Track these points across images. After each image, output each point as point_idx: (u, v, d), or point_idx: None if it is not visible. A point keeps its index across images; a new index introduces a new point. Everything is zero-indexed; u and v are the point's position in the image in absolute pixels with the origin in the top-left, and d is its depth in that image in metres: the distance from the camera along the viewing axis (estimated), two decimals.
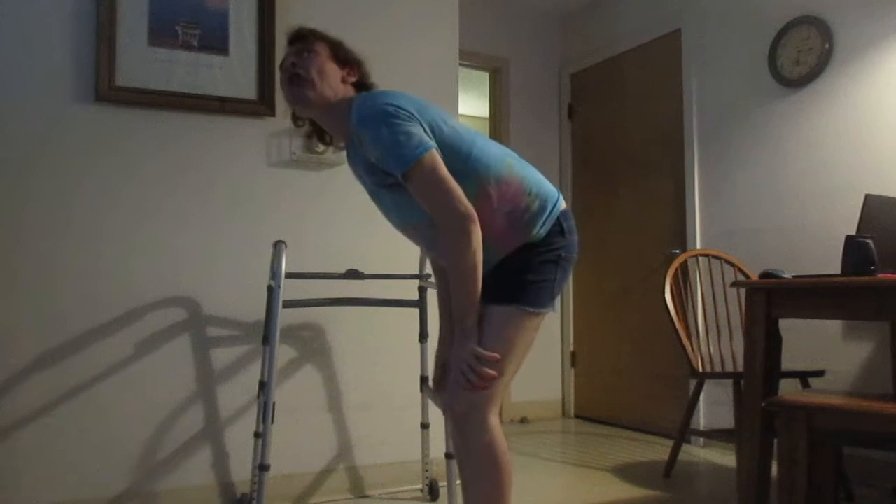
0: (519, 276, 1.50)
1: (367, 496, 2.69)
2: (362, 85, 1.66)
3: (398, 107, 1.45)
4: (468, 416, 1.47)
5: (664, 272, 3.65)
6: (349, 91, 1.62)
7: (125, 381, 2.37)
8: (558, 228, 1.54)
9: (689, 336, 3.21)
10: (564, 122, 4.65)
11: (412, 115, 1.46)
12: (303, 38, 1.63)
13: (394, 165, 1.43)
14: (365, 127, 1.46)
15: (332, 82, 1.59)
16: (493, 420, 1.50)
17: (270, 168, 2.63)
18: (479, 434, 1.48)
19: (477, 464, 1.49)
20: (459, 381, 1.46)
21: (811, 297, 2.16)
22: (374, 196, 1.62)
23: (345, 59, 1.63)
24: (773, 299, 2.25)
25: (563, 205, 1.58)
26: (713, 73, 3.65)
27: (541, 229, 1.52)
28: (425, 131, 1.46)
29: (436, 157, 1.43)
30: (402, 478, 2.76)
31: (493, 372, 1.44)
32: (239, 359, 2.54)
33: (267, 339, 2.26)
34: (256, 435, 2.44)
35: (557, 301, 1.58)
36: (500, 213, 1.50)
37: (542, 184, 1.56)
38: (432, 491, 2.63)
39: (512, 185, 1.52)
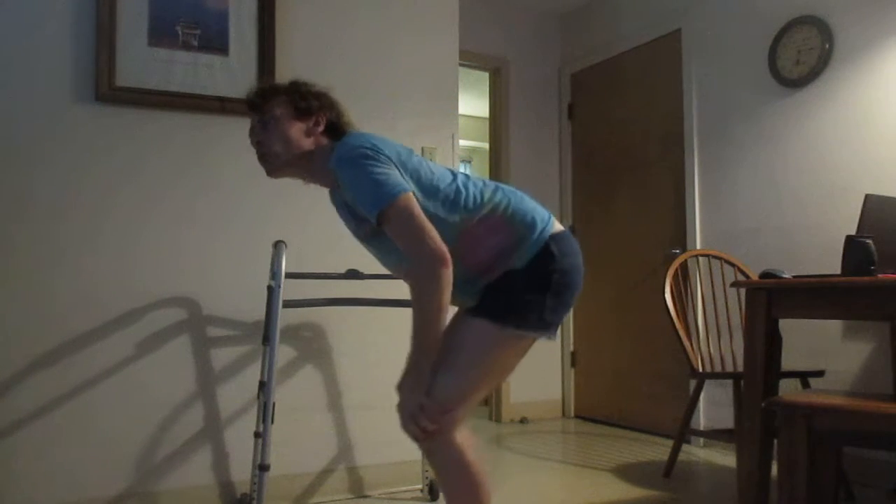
0: (506, 296, 1.48)
1: (367, 496, 2.69)
2: (333, 126, 1.61)
3: (376, 149, 1.45)
4: (428, 440, 1.46)
5: (664, 272, 3.65)
6: (321, 140, 1.59)
7: (125, 381, 2.37)
8: (548, 252, 1.50)
9: (689, 336, 3.21)
10: (564, 122, 4.65)
11: (389, 158, 1.45)
12: (257, 107, 1.59)
13: (368, 207, 1.41)
14: (341, 168, 1.45)
15: (300, 142, 1.56)
16: (457, 439, 1.47)
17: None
18: (441, 454, 1.47)
19: (446, 481, 1.49)
20: (407, 427, 1.45)
21: (811, 297, 2.16)
22: (364, 244, 1.61)
23: (307, 109, 1.58)
24: (773, 299, 2.25)
25: (554, 228, 1.54)
26: (713, 73, 3.65)
27: (524, 256, 1.49)
28: (402, 175, 1.45)
29: (411, 199, 1.42)
30: (402, 478, 2.76)
31: (432, 427, 1.42)
32: (239, 359, 2.54)
33: (267, 339, 2.26)
34: (256, 435, 2.44)
35: (555, 330, 1.52)
36: (484, 247, 1.50)
37: (526, 213, 1.52)
38: (432, 491, 2.63)
39: (494, 220, 1.50)
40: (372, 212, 1.41)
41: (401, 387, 1.49)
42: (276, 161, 1.57)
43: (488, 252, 1.50)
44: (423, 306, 1.39)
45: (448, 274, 1.39)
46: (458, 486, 1.48)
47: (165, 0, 2.46)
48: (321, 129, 1.59)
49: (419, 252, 1.39)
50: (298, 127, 1.57)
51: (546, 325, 1.49)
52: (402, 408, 1.46)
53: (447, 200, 1.49)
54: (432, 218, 1.47)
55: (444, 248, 1.39)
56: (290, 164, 1.57)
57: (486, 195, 1.53)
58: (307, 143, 1.57)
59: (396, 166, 1.46)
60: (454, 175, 1.56)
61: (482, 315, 1.48)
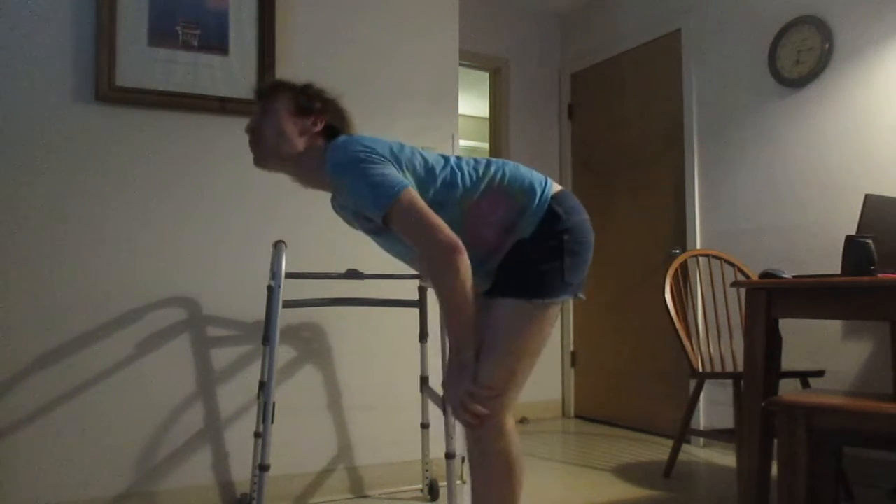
0: (523, 268, 1.49)
1: (367, 496, 2.69)
2: (332, 129, 1.61)
3: (369, 151, 1.45)
4: (480, 424, 1.47)
5: (664, 272, 3.65)
6: (316, 140, 1.59)
7: (125, 381, 2.37)
8: (553, 213, 1.51)
9: (689, 336, 3.21)
10: (564, 122, 4.65)
11: (384, 157, 1.46)
12: (263, 95, 1.60)
13: (373, 209, 1.42)
14: (340, 175, 1.45)
15: (293, 139, 1.56)
16: (509, 424, 1.49)
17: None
18: (493, 440, 1.48)
19: (490, 469, 1.50)
20: (461, 416, 1.46)
21: (811, 297, 2.16)
22: (373, 238, 1.62)
23: (308, 108, 1.58)
24: (773, 299, 2.25)
25: (553, 189, 1.54)
26: (713, 73, 3.65)
27: (530, 224, 1.50)
28: (399, 170, 1.46)
29: (412, 193, 1.42)
30: (402, 478, 2.76)
31: (486, 411, 1.44)
32: (239, 359, 2.54)
33: (267, 339, 2.26)
34: (256, 435, 2.44)
35: (579, 287, 1.53)
36: (489, 224, 1.50)
37: (523, 179, 1.53)
38: (432, 491, 2.63)
39: (493, 193, 1.51)
40: (377, 213, 1.42)
41: (446, 382, 1.50)
42: (264, 150, 1.57)
43: (493, 228, 1.51)
44: (448, 297, 1.40)
45: (465, 261, 1.39)
46: (500, 473, 1.49)
47: (165, 0, 2.46)
48: (318, 129, 1.59)
49: (431, 245, 1.39)
50: (295, 123, 1.57)
51: (570, 286, 1.51)
52: (452, 398, 1.46)
53: (444, 183, 1.50)
54: (434, 204, 1.48)
55: (454, 236, 1.40)
56: (278, 157, 1.57)
57: (481, 170, 1.54)
58: (300, 141, 1.57)
59: (392, 163, 1.46)
60: (446, 159, 1.57)
61: (506, 294, 1.49)
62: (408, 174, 1.48)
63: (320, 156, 1.56)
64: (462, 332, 1.42)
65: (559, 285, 1.49)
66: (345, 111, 1.65)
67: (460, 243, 1.40)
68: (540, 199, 1.51)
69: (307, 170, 1.59)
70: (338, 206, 1.64)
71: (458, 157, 1.59)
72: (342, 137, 1.54)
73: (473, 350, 1.45)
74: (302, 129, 1.58)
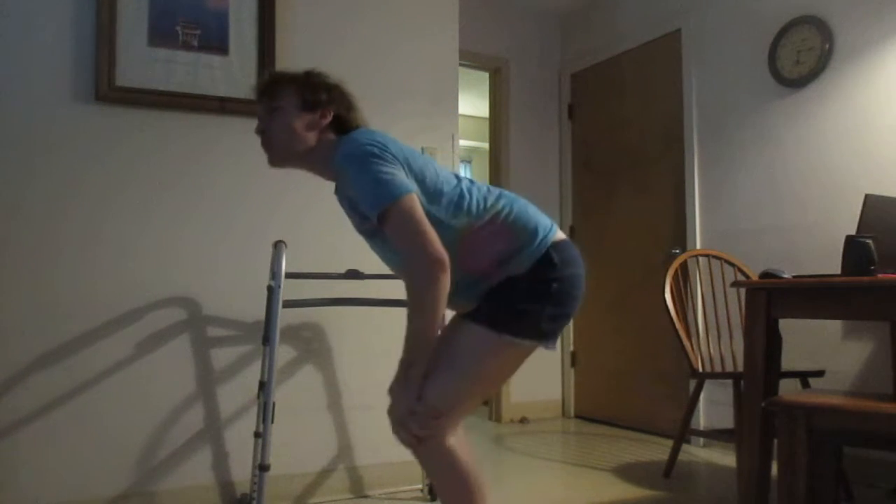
0: (505, 303, 1.46)
1: (367, 496, 2.69)
2: (340, 119, 1.60)
3: (383, 148, 1.43)
4: (420, 444, 1.44)
5: (664, 272, 3.65)
6: (326, 133, 1.58)
7: (125, 381, 2.37)
8: (549, 260, 1.47)
9: (689, 336, 3.21)
10: (564, 122, 4.65)
11: (395, 157, 1.44)
12: (266, 93, 1.58)
13: (370, 205, 1.40)
14: (347, 165, 1.44)
15: (304, 134, 1.55)
16: (450, 443, 1.46)
17: (270, 168, 2.63)
18: (433, 459, 1.46)
19: (441, 485, 1.48)
20: (398, 433, 1.44)
21: (811, 297, 2.16)
22: (366, 240, 1.60)
23: (314, 102, 1.56)
24: (773, 299, 2.25)
25: (556, 236, 1.52)
26: (713, 73, 3.65)
27: (525, 263, 1.47)
28: (407, 175, 1.43)
29: (414, 200, 1.40)
30: (402, 478, 2.77)
31: (423, 432, 1.41)
32: (239, 359, 2.54)
33: (267, 339, 2.26)
34: (256, 435, 2.44)
35: (553, 338, 1.49)
36: (484, 255, 1.48)
37: (528, 220, 1.51)
38: (432, 491, 2.63)
39: (496, 226, 1.49)
40: (373, 211, 1.40)
41: (392, 390, 1.47)
42: (277, 150, 1.57)
43: (488, 258, 1.48)
44: (418, 310, 1.38)
45: (445, 279, 1.37)
46: (453, 490, 1.47)
47: (165, 0, 2.46)
48: (327, 122, 1.57)
49: (417, 255, 1.37)
50: (304, 119, 1.56)
51: (544, 335, 1.47)
52: (393, 412, 1.44)
53: (451, 204, 1.48)
54: (434, 221, 1.45)
55: (443, 252, 1.37)
56: (292, 154, 1.57)
57: (490, 201, 1.51)
58: (311, 136, 1.56)
59: (402, 166, 1.44)
60: (458, 179, 1.54)
61: (480, 321, 1.46)
62: (415, 181, 1.45)
63: (331, 148, 1.55)
64: (420, 346, 1.40)
65: (533, 329, 1.45)
66: (350, 96, 1.63)
67: (447, 260, 1.37)
68: (540, 242, 1.49)
69: (319, 163, 1.58)
70: (341, 196, 1.62)
71: (472, 181, 1.56)
72: (359, 130, 1.52)
73: (423, 368, 1.42)
74: (310, 124, 1.56)
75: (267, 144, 1.58)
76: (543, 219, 1.54)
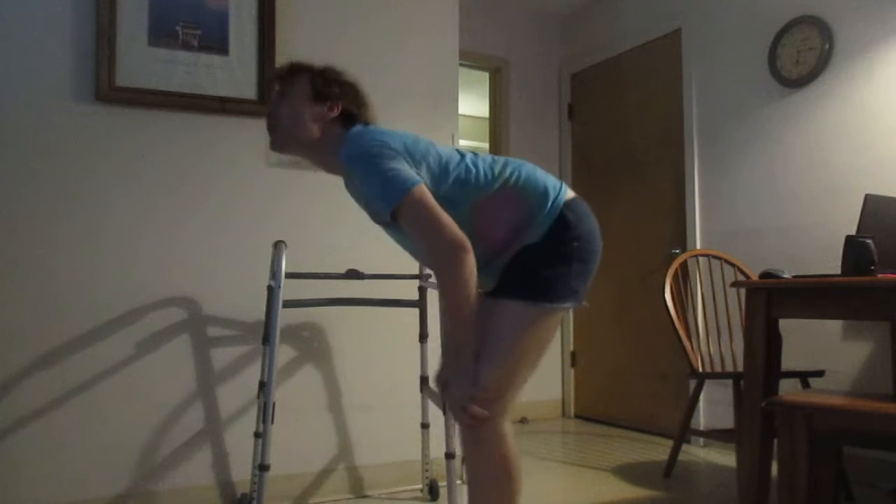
0: (530, 272, 1.48)
1: (367, 496, 2.69)
2: (349, 115, 1.61)
3: (383, 145, 1.45)
4: (479, 427, 1.46)
5: (664, 272, 3.65)
6: (333, 126, 1.59)
7: (125, 381, 2.37)
8: (564, 220, 1.49)
9: (689, 336, 3.21)
10: (564, 122, 4.65)
11: (397, 151, 1.45)
12: (281, 78, 1.62)
13: (381, 205, 1.41)
14: (353, 165, 1.46)
15: (309, 125, 1.57)
16: (505, 428, 1.48)
17: (270, 168, 2.63)
18: (490, 445, 1.47)
19: (487, 472, 1.48)
20: (458, 417, 1.45)
21: (811, 297, 2.16)
22: (385, 230, 1.61)
23: (324, 94, 1.58)
24: (773, 299, 2.25)
25: (566, 195, 1.53)
26: (713, 73, 3.65)
27: (541, 227, 1.49)
28: (412, 166, 1.45)
29: (423, 191, 1.41)
30: (402, 478, 2.76)
31: (486, 414, 1.43)
32: (239, 359, 2.54)
33: (267, 339, 2.26)
34: (256, 435, 2.44)
35: (583, 295, 1.53)
36: (499, 225, 1.49)
37: (537, 182, 1.52)
38: (432, 491, 2.63)
39: (506, 194, 1.50)
40: (385, 209, 1.41)
41: (440, 379, 1.48)
42: (280, 135, 1.59)
43: (503, 228, 1.49)
44: (451, 296, 1.39)
45: (471, 260, 1.39)
46: (497, 476, 1.48)
47: (165, 0, 2.46)
48: (334, 115, 1.59)
49: (437, 243, 1.38)
50: (312, 109, 1.58)
51: (576, 293, 1.49)
52: (451, 399, 1.44)
53: (458, 180, 1.49)
54: (445, 200, 1.47)
55: (461, 235, 1.39)
56: (293, 141, 1.59)
57: (497, 169, 1.52)
58: (316, 127, 1.58)
59: (405, 158, 1.45)
60: (462, 154, 1.55)
61: (511, 296, 1.48)
62: (421, 170, 1.47)
63: (335, 143, 1.56)
64: (462, 333, 1.41)
65: (565, 291, 1.48)
66: (363, 95, 1.65)
67: (467, 242, 1.39)
68: (552, 204, 1.50)
69: (322, 156, 1.60)
70: (352, 189, 1.63)
71: (475, 154, 1.57)
72: (357, 129, 1.54)
73: (472, 351, 1.44)
74: (318, 115, 1.58)
75: (271, 127, 1.60)
76: (552, 180, 1.56)
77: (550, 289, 1.46)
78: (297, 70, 1.62)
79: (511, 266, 1.51)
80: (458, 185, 1.49)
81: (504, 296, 1.49)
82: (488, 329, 1.48)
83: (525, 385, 1.53)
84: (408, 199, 1.39)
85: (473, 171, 1.51)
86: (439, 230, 1.38)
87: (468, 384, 1.43)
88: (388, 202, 1.40)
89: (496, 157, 1.57)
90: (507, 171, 1.52)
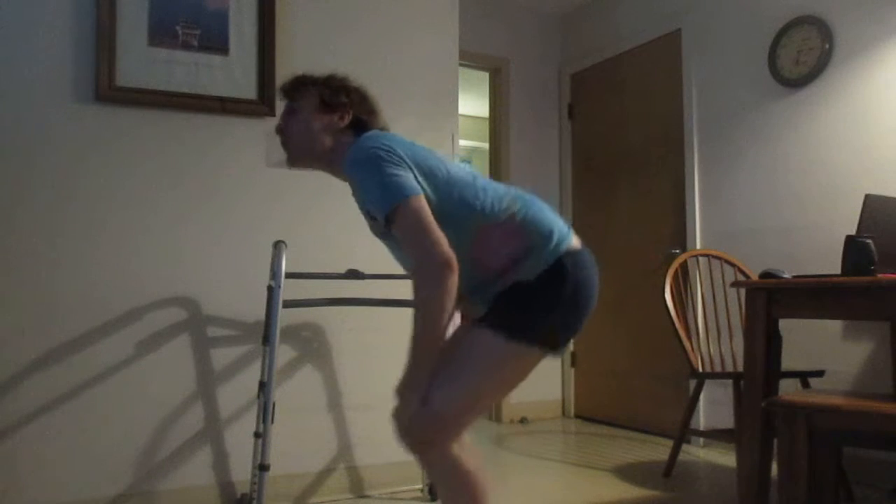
0: (516, 307, 1.44)
1: (367, 496, 2.69)
2: (359, 122, 1.61)
3: (390, 150, 1.43)
4: (424, 450, 1.42)
5: (664, 272, 3.65)
6: (345, 136, 1.59)
7: (125, 381, 2.37)
8: (561, 265, 1.45)
9: (689, 336, 3.21)
10: (564, 122, 4.65)
11: (403, 159, 1.43)
12: (288, 94, 1.62)
13: (378, 207, 1.40)
14: (354, 170, 1.45)
15: (320, 136, 1.58)
16: (454, 450, 1.43)
17: (270, 168, 2.63)
18: (439, 466, 1.44)
19: (444, 489, 1.47)
20: (399, 436, 1.42)
21: (811, 297, 2.16)
22: (383, 242, 1.60)
23: (333, 104, 1.58)
24: (773, 299, 2.25)
25: (570, 244, 1.49)
26: (713, 73, 3.65)
27: (537, 266, 1.45)
28: (416, 177, 1.43)
29: (421, 201, 1.39)
30: (402, 478, 2.76)
31: (427, 438, 1.39)
32: (239, 359, 2.54)
33: (267, 339, 2.26)
34: (256, 435, 2.44)
35: (565, 344, 1.47)
36: (497, 253, 1.46)
37: (544, 222, 1.48)
38: (432, 491, 2.63)
39: (510, 227, 1.47)
40: (380, 212, 1.40)
41: (398, 392, 1.45)
42: (294, 150, 1.60)
43: (501, 260, 1.47)
44: (425, 311, 1.36)
45: (453, 280, 1.36)
46: (455, 497, 1.45)
47: (165, 0, 2.46)
48: (344, 123, 1.59)
49: (425, 255, 1.36)
50: (322, 120, 1.58)
51: (556, 343, 1.44)
52: (398, 417, 1.42)
53: (463, 202, 1.47)
54: (445, 217, 1.45)
55: (450, 253, 1.37)
56: (308, 154, 1.59)
57: (506, 202, 1.49)
58: (328, 138, 1.58)
59: (411, 167, 1.43)
60: (474, 177, 1.53)
61: (490, 326, 1.44)
62: (426, 180, 1.45)
63: (347, 150, 1.56)
64: (427, 348, 1.38)
65: (544, 337, 1.42)
66: (372, 101, 1.65)
67: (454, 262, 1.36)
68: (554, 246, 1.46)
69: (336, 165, 1.60)
70: (356, 199, 1.61)
71: (488, 181, 1.54)
72: (367, 134, 1.52)
73: (429, 371, 1.39)
74: (328, 126, 1.58)
75: (284, 144, 1.61)
76: (560, 224, 1.51)
77: (532, 329, 1.42)
78: (302, 83, 1.61)
79: (501, 297, 1.47)
80: (463, 206, 1.46)
81: (485, 325, 1.44)
82: (458, 352, 1.44)
83: (477, 417, 1.47)
84: (405, 206, 1.38)
85: (482, 197, 1.48)
86: (431, 244, 1.36)
87: (417, 405, 1.39)
88: (384, 205, 1.39)
89: (509, 189, 1.54)
90: (517, 206, 1.49)
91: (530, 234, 1.47)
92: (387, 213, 1.39)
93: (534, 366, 1.47)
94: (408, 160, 1.44)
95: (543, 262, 1.45)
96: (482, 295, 1.51)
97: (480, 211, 1.47)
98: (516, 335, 1.41)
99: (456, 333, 1.58)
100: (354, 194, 1.61)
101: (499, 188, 1.53)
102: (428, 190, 1.44)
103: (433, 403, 1.39)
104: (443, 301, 1.35)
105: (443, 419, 1.39)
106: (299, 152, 1.60)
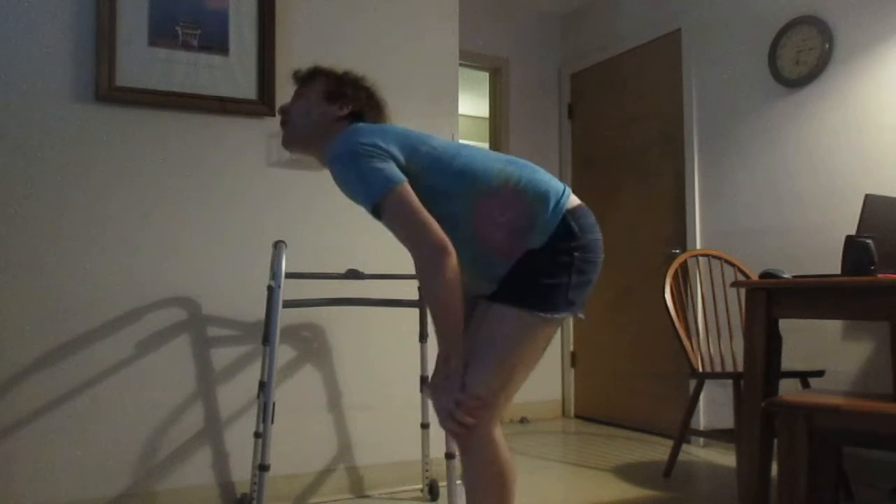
0: (529, 280, 1.44)
1: (367, 496, 2.69)
2: (358, 116, 1.63)
3: (367, 144, 1.43)
4: (467, 435, 1.44)
5: (664, 272, 3.65)
6: (339, 125, 1.62)
7: (125, 381, 2.37)
8: (566, 228, 1.45)
9: (689, 336, 3.21)
10: (564, 122, 4.65)
11: (382, 150, 1.43)
12: (300, 80, 1.67)
13: (363, 201, 1.42)
14: (333, 164, 1.46)
15: (321, 123, 1.61)
16: (496, 432, 1.46)
17: (270, 168, 2.63)
18: (480, 449, 1.45)
19: (478, 479, 1.47)
20: (447, 424, 1.44)
21: (811, 297, 2.16)
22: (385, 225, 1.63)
23: (337, 94, 1.61)
24: (773, 299, 2.25)
25: (570, 203, 1.48)
26: (713, 73, 3.65)
27: (542, 234, 1.44)
28: (398, 164, 1.44)
29: (406, 190, 1.40)
30: (402, 478, 2.76)
31: (473, 421, 1.41)
32: (239, 359, 2.54)
33: (267, 339, 2.26)
34: (256, 435, 2.44)
35: (581, 306, 1.49)
36: (498, 224, 1.45)
37: (539, 184, 1.47)
38: (432, 491, 2.63)
39: (505, 192, 1.45)
40: (366, 206, 1.42)
41: (433, 384, 1.47)
42: (290, 132, 1.64)
43: (502, 230, 1.45)
44: (433, 298, 1.37)
45: (452, 262, 1.36)
46: (490, 483, 1.46)
47: (165, 0, 2.46)
48: (342, 114, 1.62)
49: (418, 244, 1.37)
50: (324, 109, 1.62)
51: (573, 305, 1.46)
52: (439, 405, 1.44)
53: (456, 175, 1.47)
54: (440, 193, 1.45)
55: (443, 236, 1.37)
56: (302, 138, 1.63)
57: (497, 167, 1.49)
58: (325, 127, 1.61)
59: (394, 156, 1.44)
60: (462, 149, 1.53)
61: (508, 302, 1.45)
62: (419, 161, 1.46)
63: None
64: (450, 336, 1.39)
65: (563, 302, 1.44)
66: (378, 100, 1.67)
67: (449, 245, 1.37)
68: (554, 208, 1.45)
69: (326, 154, 1.59)
70: (339, 186, 1.65)
71: (477, 150, 1.54)
72: (350, 127, 1.52)
73: (462, 356, 1.42)
74: (326, 114, 1.61)
75: (284, 124, 1.66)
76: (555, 184, 1.51)
77: (548, 298, 1.43)
78: (315, 73, 1.67)
79: (511, 273, 1.47)
80: (456, 179, 1.46)
81: (500, 302, 1.45)
82: (482, 335, 1.46)
83: (521, 387, 1.51)
84: (390, 197, 1.39)
85: (471, 166, 1.48)
86: (421, 231, 1.37)
87: (457, 391, 1.41)
88: (369, 200, 1.41)
89: (500, 156, 1.54)
90: (508, 171, 1.48)
91: (528, 198, 1.46)
92: (373, 206, 1.41)
93: (556, 330, 1.50)
94: (388, 149, 1.44)
95: (548, 225, 1.45)
96: (489, 272, 1.50)
97: (475, 181, 1.46)
98: (534, 306, 1.43)
99: (475, 316, 1.57)
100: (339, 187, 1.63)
101: (488, 155, 1.53)
102: (418, 167, 1.45)
103: (471, 386, 1.42)
104: (449, 285, 1.36)
105: (482, 399, 1.42)
106: (294, 135, 1.64)
